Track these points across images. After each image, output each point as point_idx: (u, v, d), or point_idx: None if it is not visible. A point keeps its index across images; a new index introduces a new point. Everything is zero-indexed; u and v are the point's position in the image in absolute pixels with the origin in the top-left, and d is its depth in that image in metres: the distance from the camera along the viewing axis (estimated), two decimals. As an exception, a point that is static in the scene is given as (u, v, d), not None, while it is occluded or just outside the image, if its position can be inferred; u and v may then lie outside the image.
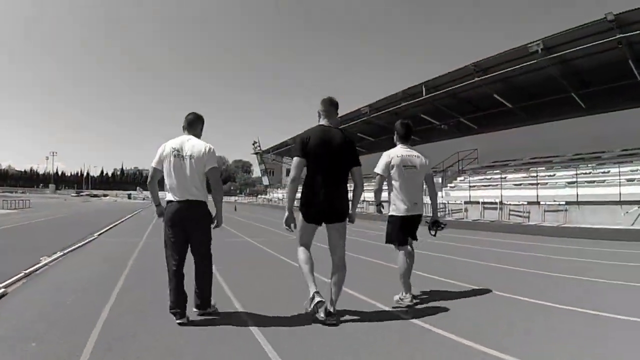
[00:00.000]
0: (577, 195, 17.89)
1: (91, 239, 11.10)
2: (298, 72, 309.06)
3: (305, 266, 4.40)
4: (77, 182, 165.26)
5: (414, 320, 4.33)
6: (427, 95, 28.49)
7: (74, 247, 9.23)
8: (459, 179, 28.78)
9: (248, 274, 6.99)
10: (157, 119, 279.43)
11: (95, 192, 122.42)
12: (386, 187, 5.45)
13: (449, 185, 28.05)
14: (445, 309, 4.77)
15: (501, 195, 21.32)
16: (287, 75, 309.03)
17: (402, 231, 5.22)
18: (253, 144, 78.52)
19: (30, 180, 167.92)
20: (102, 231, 13.26)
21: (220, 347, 3.52)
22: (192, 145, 4.48)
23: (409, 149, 5.42)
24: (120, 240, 11.46)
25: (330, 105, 4.69)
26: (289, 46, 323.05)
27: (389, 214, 5.34)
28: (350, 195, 4.65)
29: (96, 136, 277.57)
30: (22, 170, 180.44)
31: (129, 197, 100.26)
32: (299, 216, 4.50)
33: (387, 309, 4.81)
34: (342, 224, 4.53)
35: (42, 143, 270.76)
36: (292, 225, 4.50)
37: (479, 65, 24.86)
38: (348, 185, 4.65)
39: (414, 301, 5.06)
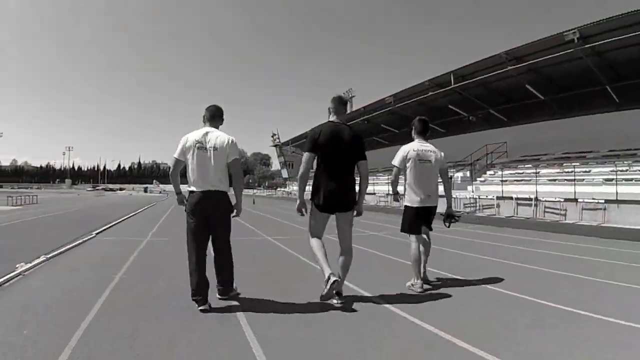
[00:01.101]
0: (617, 193, 17.22)
1: (87, 238, 10.14)
2: (316, 66, 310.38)
3: (319, 252, 4.88)
4: (93, 177, 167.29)
5: (413, 318, 4.33)
6: (456, 85, 27.96)
7: (63, 250, 8.25)
8: (488, 172, 28.11)
9: (268, 284, 6.00)
10: (175, 113, 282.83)
11: (111, 186, 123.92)
12: (401, 181, 6.01)
13: (478, 179, 27.41)
14: (450, 309, 4.76)
15: (536, 191, 20.67)
16: (307, 69, 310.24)
17: (415, 221, 5.80)
18: (272, 136, 78.73)
19: (46, 175, 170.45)
20: (103, 229, 12.46)
21: (217, 347, 3.51)
22: (215, 137, 4.75)
23: (425, 144, 5.98)
24: (121, 240, 10.49)
25: (339, 104, 5.16)
26: (307, 44, 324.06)
27: (404, 204, 5.93)
28: (357, 188, 5.14)
29: (114, 131, 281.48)
30: (39, 166, 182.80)
31: (145, 190, 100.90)
32: (311, 206, 5.01)
33: (387, 304, 4.88)
34: (349, 212, 5.03)
35: (60, 139, 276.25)
36: (304, 210, 4.98)
37: (512, 53, 24.31)
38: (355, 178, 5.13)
39: (425, 287, 5.61)
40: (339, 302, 4.75)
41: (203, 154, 4.66)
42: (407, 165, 5.81)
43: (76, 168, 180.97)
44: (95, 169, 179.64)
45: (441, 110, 33.56)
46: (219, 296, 4.72)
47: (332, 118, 5.11)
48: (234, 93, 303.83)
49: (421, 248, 5.79)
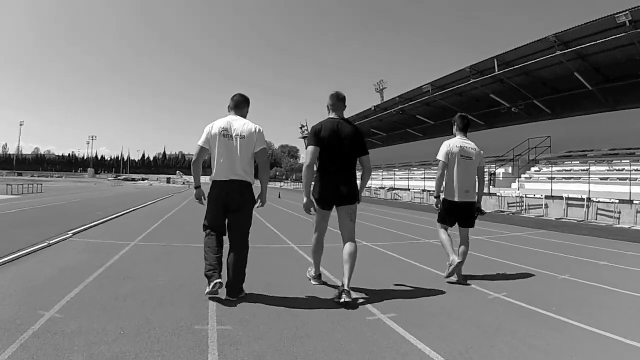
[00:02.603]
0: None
1: (58, 240, 8.13)
2: (348, 56, 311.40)
3: (315, 255, 5.33)
4: (117, 167, 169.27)
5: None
6: (500, 72, 26.73)
7: (12, 257, 6.33)
8: (533, 169, 26.80)
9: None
10: (203, 104, 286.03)
11: (133, 176, 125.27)
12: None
13: (523, 176, 26.10)
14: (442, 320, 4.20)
15: (589, 191, 19.33)
16: (338, 59, 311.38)
17: (451, 215, 6.12)
18: (301, 128, 78.66)
19: (69, 164, 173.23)
20: (87, 226, 10.37)
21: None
22: (242, 125, 4.71)
23: (467, 141, 6.21)
24: (99, 244, 8.12)
25: (337, 100, 5.21)
26: (338, 33, 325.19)
27: (443, 197, 6.19)
28: (359, 181, 5.21)
29: (140, 121, 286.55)
30: (65, 155, 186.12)
31: (168, 181, 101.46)
32: (314, 203, 5.05)
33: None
34: (351, 206, 5.06)
35: (86, 129, 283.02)
36: (312, 209, 5.00)
37: (561, 37, 23.18)
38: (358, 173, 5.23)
39: (458, 261, 5.70)
40: (346, 298, 4.53)
41: (229, 143, 4.62)
42: (450, 160, 6.06)
43: (99, 157, 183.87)
44: (119, 158, 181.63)
45: (481, 100, 32.54)
46: (228, 297, 4.52)
47: (332, 115, 5.21)
48: (263, 83, 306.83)
49: (461, 249, 6.10)
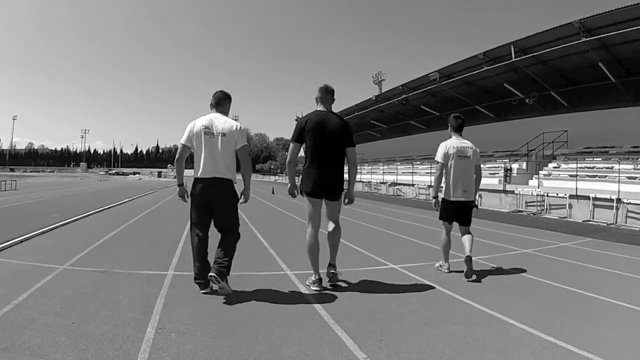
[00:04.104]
0: None
1: None
2: (344, 48, 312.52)
3: (312, 254, 5.18)
4: (110, 161, 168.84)
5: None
6: (516, 59, 24.82)
7: None
8: (551, 165, 25.01)
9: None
10: (197, 97, 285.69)
11: (125, 170, 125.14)
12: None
13: (541, 172, 24.20)
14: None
15: (618, 191, 17.41)
16: (333, 51, 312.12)
17: (450, 213, 6.51)
18: (296, 120, 77.40)
19: (61, 159, 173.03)
20: (25, 236, 8.17)
21: None
22: (223, 122, 4.85)
23: (463, 141, 6.59)
24: (23, 265, 5.99)
25: (326, 93, 5.39)
26: (331, 28, 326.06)
27: (442, 197, 6.57)
28: (346, 176, 5.36)
29: (132, 115, 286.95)
30: (59, 149, 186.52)
31: (159, 175, 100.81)
32: (303, 195, 5.23)
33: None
34: (337, 202, 5.31)
35: (81, 123, 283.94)
36: (295, 192, 5.34)
37: (586, 24, 21.21)
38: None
39: (450, 270, 6.35)
40: (333, 281, 5.28)
41: (210, 140, 4.72)
42: (448, 161, 6.39)
43: (92, 151, 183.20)
44: (112, 152, 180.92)
45: (491, 91, 30.98)
46: (212, 274, 4.52)
47: (320, 107, 5.33)
48: (257, 75, 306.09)
49: (466, 239, 6.31)
